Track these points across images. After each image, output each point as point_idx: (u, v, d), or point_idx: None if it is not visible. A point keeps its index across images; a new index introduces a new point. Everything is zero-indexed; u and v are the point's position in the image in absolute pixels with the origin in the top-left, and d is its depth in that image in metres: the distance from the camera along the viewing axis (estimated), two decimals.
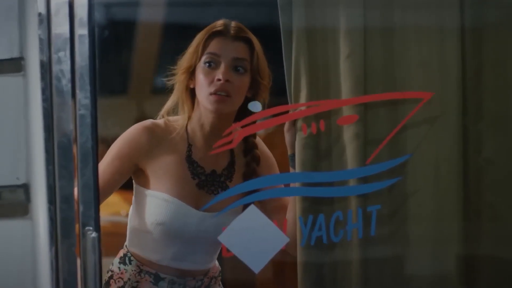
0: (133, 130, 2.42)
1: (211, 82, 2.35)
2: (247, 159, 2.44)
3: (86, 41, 1.95)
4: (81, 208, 1.97)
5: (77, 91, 1.95)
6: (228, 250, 2.22)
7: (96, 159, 1.98)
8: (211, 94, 2.35)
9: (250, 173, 2.43)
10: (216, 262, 2.54)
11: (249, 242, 2.24)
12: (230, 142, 2.29)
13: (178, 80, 2.42)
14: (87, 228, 2.02)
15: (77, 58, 1.95)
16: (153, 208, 2.40)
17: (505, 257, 2.39)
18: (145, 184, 2.42)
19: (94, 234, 1.98)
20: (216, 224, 2.34)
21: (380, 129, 2.31)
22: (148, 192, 2.41)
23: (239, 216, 2.25)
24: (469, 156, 2.36)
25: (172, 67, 2.44)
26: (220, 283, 2.56)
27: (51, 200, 1.96)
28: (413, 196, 2.33)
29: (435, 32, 2.34)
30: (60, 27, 1.95)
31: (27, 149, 2.04)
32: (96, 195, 1.98)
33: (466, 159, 2.35)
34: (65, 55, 1.95)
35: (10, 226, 2.05)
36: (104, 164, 2.40)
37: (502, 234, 2.39)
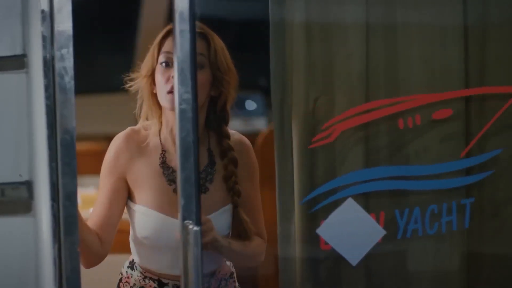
0: (115, 140, 2.37)
1: (167, 81, 2.29)
2: (224, 162, 2.38)
3: None
4: None
5: None
6: (326, 243, 2.21)
7: None
8: (168, 93, 2.28)
9: (229, 176, 2.37)
10: (228, 263, 2.48)
11: (347, 235, 2.23)
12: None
13: (141, 85, 2.36)
14: None
15: None
16: (136, 222, 2.36)
17: None
18: (129, 195, 2.38)
19: None
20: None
21: (473, 124, 2.32)
22: (131, 203, 2.38)
23: (337, 209, 2.24)
24: None
25: (129, 73, 2.38)
26: (236, 284, 2.50)
27: (54, 197, 1.96)
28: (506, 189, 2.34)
29: (438, 30, 2.33)
30: (63, 24, 1.95)
31: (30, 146, 2.03)
32: None
33: None
34: (68, 52, 1.95)
35: (13, 223, 2.04)
36: (101, 187, 2.35)
37: None
